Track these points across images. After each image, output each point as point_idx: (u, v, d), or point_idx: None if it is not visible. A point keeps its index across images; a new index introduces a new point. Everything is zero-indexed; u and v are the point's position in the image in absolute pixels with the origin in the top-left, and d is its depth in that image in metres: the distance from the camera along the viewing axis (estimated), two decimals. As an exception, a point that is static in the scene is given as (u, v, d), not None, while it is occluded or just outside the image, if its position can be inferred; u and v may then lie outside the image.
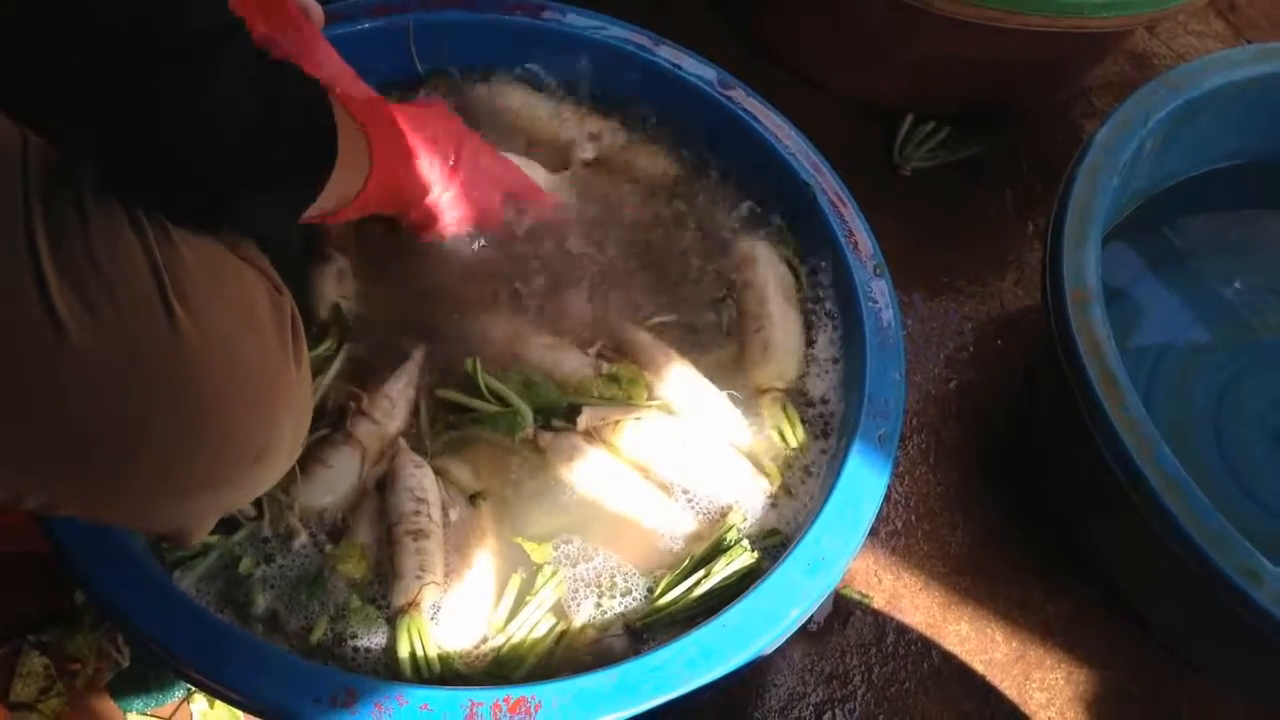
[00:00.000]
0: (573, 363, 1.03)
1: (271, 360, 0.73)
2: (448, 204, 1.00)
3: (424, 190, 0.97)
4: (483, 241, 1.05)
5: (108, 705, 1.00)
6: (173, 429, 0.67)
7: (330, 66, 0.98)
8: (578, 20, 1.19)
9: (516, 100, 1.19)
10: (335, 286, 1.03)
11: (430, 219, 1.01)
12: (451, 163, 0.99)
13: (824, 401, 1.05)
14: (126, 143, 0.63)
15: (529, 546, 0.95)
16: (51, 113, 0.61)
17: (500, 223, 1.06)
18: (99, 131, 0.62)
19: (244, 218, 0.73)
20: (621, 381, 1.02)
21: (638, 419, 1.00)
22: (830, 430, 1.04)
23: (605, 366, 1.03)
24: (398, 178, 0.93)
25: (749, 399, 1.05)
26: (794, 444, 1.02)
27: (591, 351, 1.04)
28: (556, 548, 0.96)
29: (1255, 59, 1.31)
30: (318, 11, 0.97)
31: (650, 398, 1.03)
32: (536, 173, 1.12)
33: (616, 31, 1.20)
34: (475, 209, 1.02)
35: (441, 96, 1.15)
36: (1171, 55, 1.74)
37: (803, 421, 1.03)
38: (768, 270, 1.11)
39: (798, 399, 1.05)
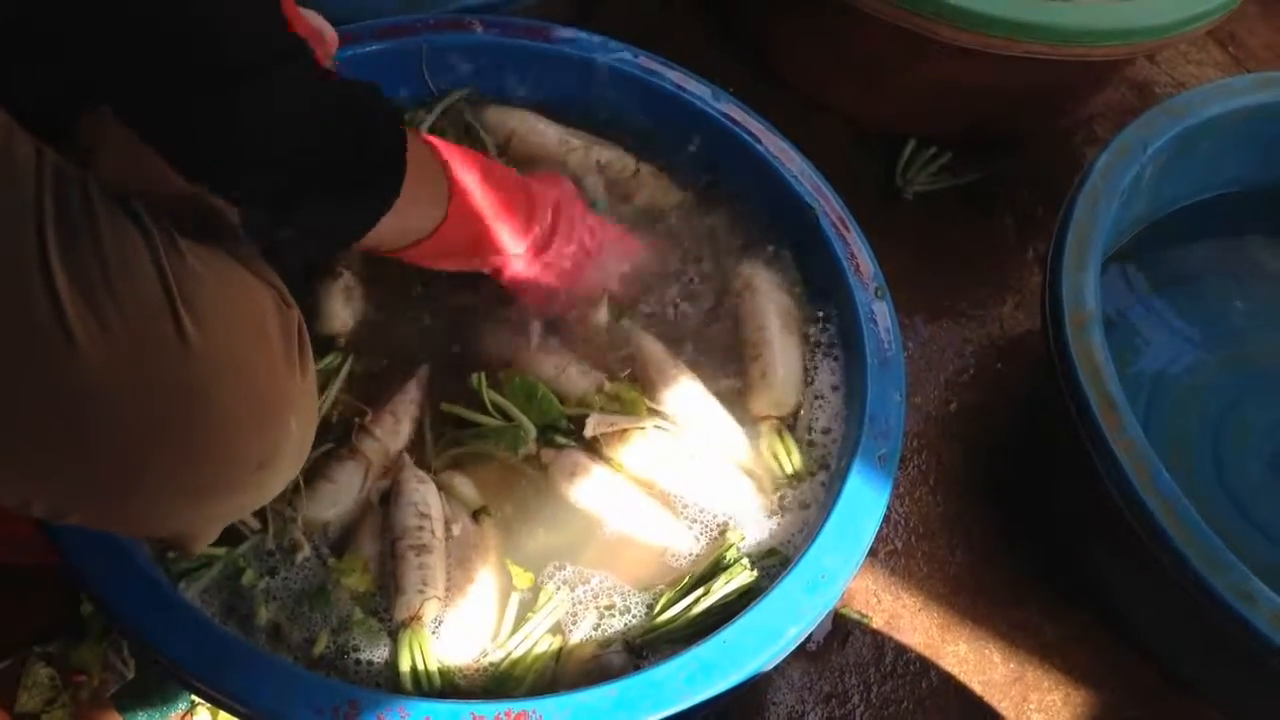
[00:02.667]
0: (577, 379, 1.04)
1: (278, 370, 0.74)
2: (534, 269, 1.01)
3: (498, 254, 0.98)
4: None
5: (112, 717, 1.01)
6: (179, 437, 0.68)
7: None
8: (586, 43, 1.20)
9: (524, 125, 1.20)
10: (343, 301, 1.04)
11: (515, 277, 1.01)
12: (545, 229, 0.99)
13: (825, 431, 1.05)
14: (201, 151, 0.66)
15: (514, 570, 0.95)
16: (124, 119, 0.63)
17: (593, 291, 1.07)
18: (173, 139, 0.65)
19: (302, 233, 0.75)
20: (622, 401, 1.03)
21: (643, 428, 1.00)
22: (831, 458, 1.04)
23: (607, 385, 1.04)
24: (479, 223, 0.93)
25: (748, 425, 1.05)
26: (790, 471, 1.02)
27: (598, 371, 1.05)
28: (559, 567, 0.96)
29: (1255, 88, 1.32)
30: (332, 34, 0.98)
31: (656, 411, 1.03)
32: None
33: (624, 55, 1.21)
34: (565, 279, 1.03)
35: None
36: (1172, 84, 1.75)
37: (801, 448, 1.03)
38: (767, 297, 1.11)
39: (800, 430, 1.05)
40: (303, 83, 0.69)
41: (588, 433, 1.00)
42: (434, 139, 0.89)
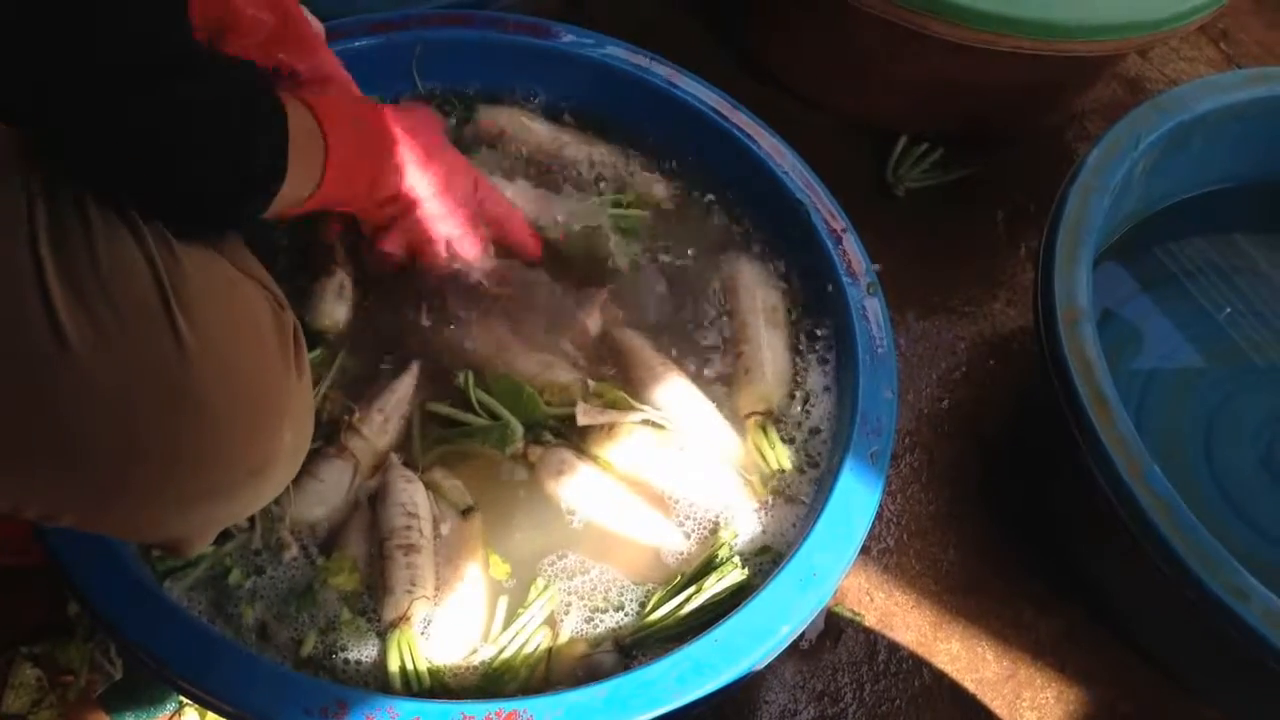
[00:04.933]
0: (561, 374, 1.04)
1: (273, 373, 0.74)
2: (415, 209, 0.97)
3: (391, 188, 0.95)
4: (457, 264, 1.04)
5: (100, 717, 1.00)
6: (174, 440, 0.67)
7: (326, 69, 0.97)
8: (577, 40, 1.20)
9: (515, 122, 1.20)
10: (334, 299, 1.04)
11: (389, 219, 0.98)
12: (425, 168, 0.96)
13: (816, 429, 1.05)
14: (91, 141, 0.63)
15: (493, 560, 0.95)
16: (45, 116, 0.62)
17: (467, 236, 1.03)
18: (77, 135, 0.63)
19: (205, 215, 0.73)
20: (606, 400, 1.02)
21: (630, 423, 1.00)
22: (822, 455, 1.04)
23: (592, 385, 1.03)
24: (355, 169, 0.90)
25: (736, 422, 1.05)
26: (775, 467, 1.02)
27: (582, 362, 1.05)
28: (548, 565, 0.96)
29: (1246, 83, 1.32)
30: (319, 27, 0.98)
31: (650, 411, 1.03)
32: (526, 196, 1.12)
33: (615, 51, 1.20)
34: (444, 220, 1.00)
35: (424, 103, 1.13)
36: (1164, 80, 1.75)
37: (792, 445, 1.03)
38: (752, 293, 1.11)
39: (791, 427, 1.05)
40: (191, 88, 0.67)
41: (579, 420, 1.00)
42: (299, 96, 0.85)
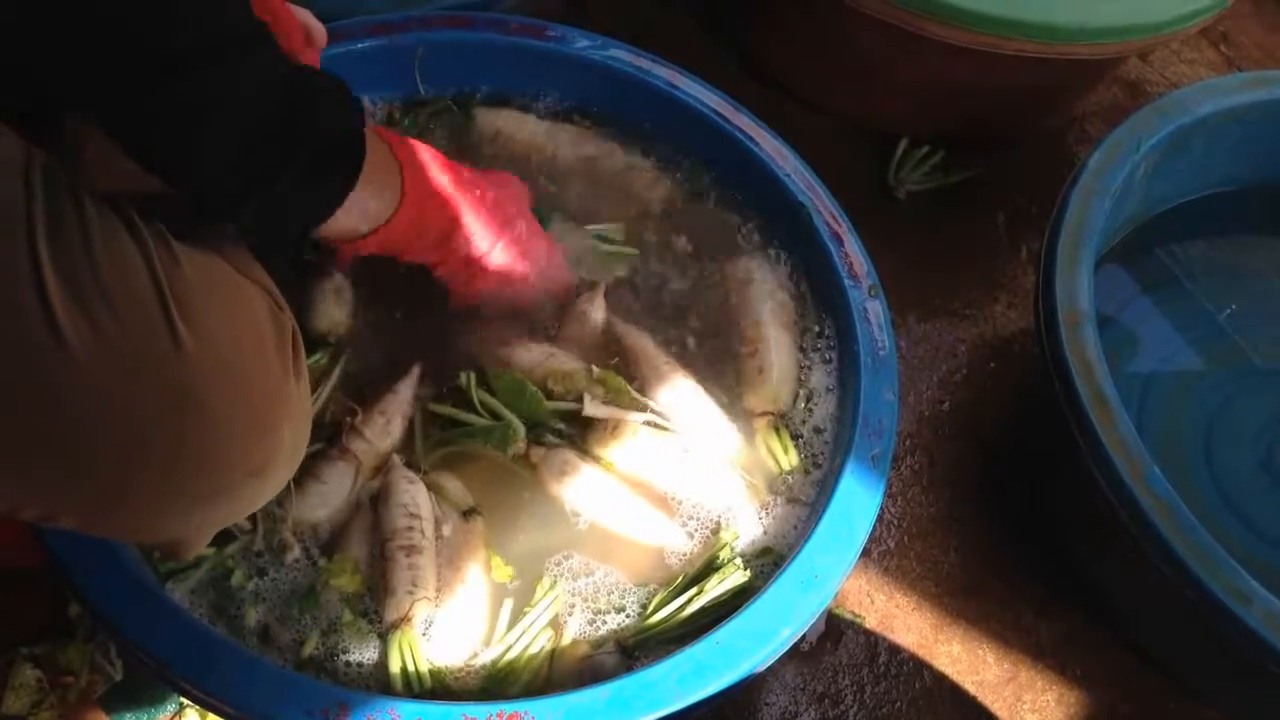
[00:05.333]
0: (563, 363, 1.04)
1: (272, 374, 0.74)
2: (489, 265, 0.99)
3: (465, 242, 0.97)
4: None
5: (100, 718, 1.00)
6: (172, 441, 0.67)
7: None
8: (578, 42, 1.20)
9: (513, 123, 1.20)
10: (334, 301, 1.04)
11: (466, 274, 1.00)
12: (507, 226, 0.99)
13: (818, 430, 1.05)
14: (154, 140, 0.65)
15: (495, 562, 0.95)
16: (78, 112, 0.63)
17: (528, 300, 1.06)
18: (127, 130, 0.64)
19: (264, 217, 0.74)
20: (608, 388, 1.02)
21: (635, 424, 1.00)
22: (824, 457, 1.04)
23: (596, 371, 1.03)
24: (429, 216, 0.92)
25: (742, 422, 1.05)
26: (786, 468, 1.02)
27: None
28: (551, 567, 0.96)
29: (1247, 86, 1.32)
30: (320, 30, 0.98)
31: (647, 407, 1.03)
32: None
33: (617, 53, 1.20)
34: (514, 278, 1.02)
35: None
36: (1164, 83, 1.75)
37: (795, 446, 1.03)
38: (762, 293, 1.11)
39: (793, 428, 1.05)
40: (260, 68, 0.68)
41: (586, 410, 1.00)
42: (387, 131, 0.88)
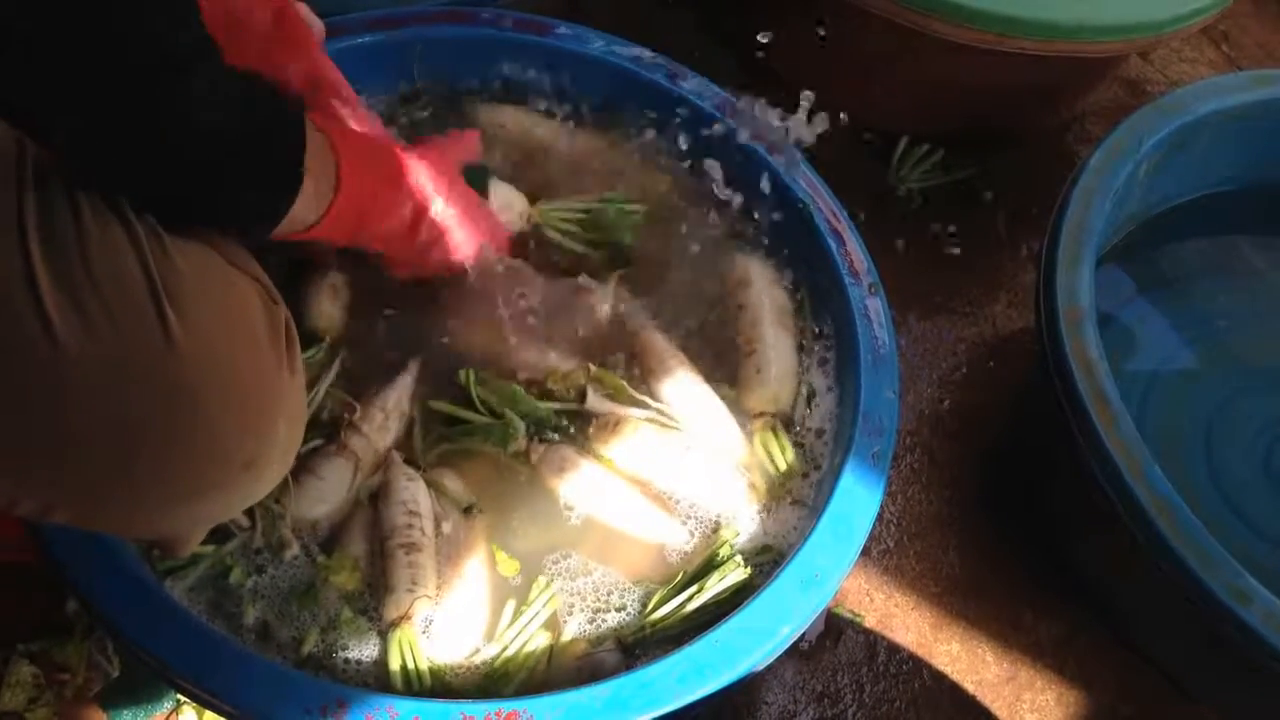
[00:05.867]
0: (564, 362, 1.04)
1: (265, 368, 0.73)
2: (420, 238, 0.98)
3: (403, 223, 0.95)
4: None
5: (97, 715, 1.00)
6: (165, 435, 0.67)
7: (319, 71, 0.97)
8: (578, 38, 1.20)
9: (513, 119, 1.20)
10: (330, 298, 1.04)
11: (407, 255, 0.98)
12: (432, 198, 0.96)
13: (818, 429, 1.05)
14: (109, 139, 0.64)
15: (500, 558, 0.95)
16: (45, 112, 0.62)
17: (472, 262, 1.03)
18: (85, 129, 0.63)
19: (218, 215, 0.73)
20: (605, 385, 1.02)
21: (636, 418, 1.00)
22: (824, 455, 1.03)
23: (593, 369, 1.03)
24: (367, 203, 0.90)
25: (741, 421, 1.05)
26: (783, 468, 1.02)
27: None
28: (550, 564, 0.96)
29: (1248, 85, 1.32)
30: (319, 25, 0.98)
31: (648, 404, 1.03)
32: (517, 201, 1.12)
33: (615, 48, 1.20)
34: (455, 249, 1.01)
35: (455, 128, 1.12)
36: (1165, 82, 1.75)
37: (795, 446, 1.03)
38: (762, 292, 1.11)
39: (793, 427, 1.05)
40: (210, 81, 0.67)
41: (588, 404, 1.00)
42: (315, 116, 0.86)
